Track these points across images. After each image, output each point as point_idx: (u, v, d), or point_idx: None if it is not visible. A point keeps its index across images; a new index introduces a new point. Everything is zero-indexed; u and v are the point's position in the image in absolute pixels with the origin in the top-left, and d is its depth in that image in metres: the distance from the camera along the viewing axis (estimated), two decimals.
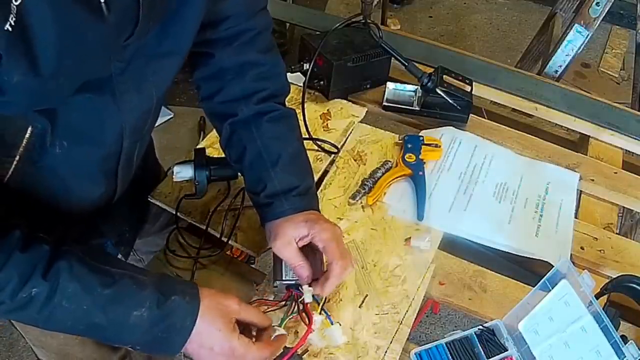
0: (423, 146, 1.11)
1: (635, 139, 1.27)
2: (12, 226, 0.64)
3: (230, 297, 0.75)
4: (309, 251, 0.83)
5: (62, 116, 0.66)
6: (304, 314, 0.82)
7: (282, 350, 0.79)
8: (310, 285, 0.82)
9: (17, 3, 0.49)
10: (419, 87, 1.22)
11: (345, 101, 1.24)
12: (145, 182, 1.01)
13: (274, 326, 0.80)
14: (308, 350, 0.81)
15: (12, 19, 0.49)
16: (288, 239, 0.81)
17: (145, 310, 0.68)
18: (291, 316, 0.83)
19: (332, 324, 0.84)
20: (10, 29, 0.49)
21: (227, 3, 0.81)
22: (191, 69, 0.89)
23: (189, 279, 0.92)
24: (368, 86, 1.27)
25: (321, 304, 0.85)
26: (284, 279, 0.83)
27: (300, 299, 0.83)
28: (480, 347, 0.82)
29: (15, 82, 0.54)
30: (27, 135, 0.66)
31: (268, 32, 0.89)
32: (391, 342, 0.84)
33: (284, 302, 0.84)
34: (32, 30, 0.51)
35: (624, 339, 0.71)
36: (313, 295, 0.83)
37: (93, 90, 0.66)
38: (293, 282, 0.83)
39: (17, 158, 0.68)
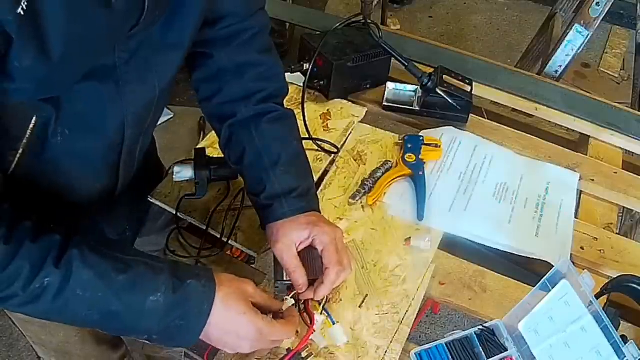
0: (423, 146, 1.11)
1: (635, 139, 1.27)
2: (22, 217, 0.64)
3: (246, 281, 0.75)
4: (311, 250, 0.83)
5: (66, 104, 0.66)
6: (305, 314, 0.82)
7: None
8: (302, 290, 0.81)
9: None
10: (419, 87, 1.22)
11: (345, 101, 1.24)
12: (147, 181, 1.01)
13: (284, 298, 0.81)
14: (313, 354, 0.81)
15: (24, 3, 0.50)
16: (289, 242, 0.81)
17: (161, 295, 0.67)
18: None
19: (333, 323, 0.84)
20: (22, 12, 0.50)
21: (224, 1, 0.81)
22: (189, 71, 0.89)
23: None
24: (368, 86, 1.27)
25: (322, 304, 0.85)
26: (285, 279, 0.83)
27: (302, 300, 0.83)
28: (480, 347, 0.82)
29: (25, 67, 0.54)
30: (31, 126, 0.66)
31: (266, 32, 0.89)
32: (391, 342, 0.84)
33: None
34: (43, 15, 0.52)
35: (624, 339, 0.71)
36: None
37: (97, 78, 0.66)
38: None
39: (20, 151, 0.68)
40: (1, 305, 0.65)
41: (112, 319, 0.67)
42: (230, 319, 0.71)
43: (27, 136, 0.66)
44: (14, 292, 0.62)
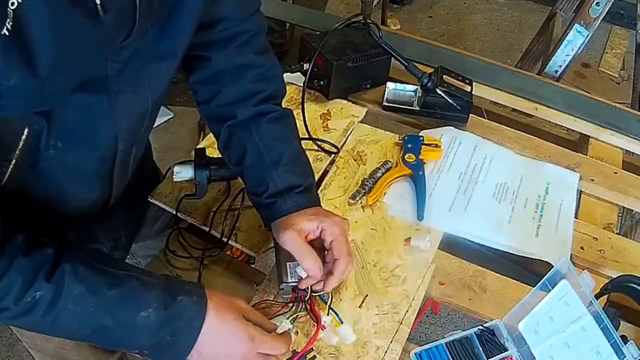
0: (423, 146, 1.11)
1: (635, 139, 1.27)
2: (14, 230, 0.64)
3: (237, 298, 0.75)
4: (314, 244, 0.82)
5: (57, 117, 0.66)
6: (311, 314, 0.82)
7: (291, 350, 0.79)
8: (318, 278, 0.80)
9: (13, 7, 0.49)
10: (419, 87, 1.22)
11: (345, 101, 1.24)
12: (142, 186, 1.01)
13: (280, 317, 0.80)
14: (316, 357, 0.81)
15: (8, 23, 0.49)
16: (297, 229, 0.80)
17: (152, 311, 0.67)
18: (295, 315, 0.82)
19: (341, 322, 0.84)
20: (7, 33, 0.50)
21: (220, 5, 0.81)
22: (186, 73, 0.88)
23: (190, 279, 0.91)
24: (368, 86, 1.27)
25: (329, 304, 0.84)
26: (289, 280, 0.83)
27: (306, 299, 0.83)
28: (480, 347, 0.82)
29: (12, 85, 0.54)
30: (23, 137, 0.65)
31: (263, 34, 0.89)
32: (391, 342, 0.84)
33: (291, 304, 0.83)
34: (29, 34, 0.51)
35: (624, 339, 0.71)
36: (322, 297, 0.84)
37: (88, 90, 0.65)
38: (298, 283, 0.83)
39: (13, 162, 0.67)
40: None
41: (103, 333, 0.67)
42: (222, 327, 0.71)
43: (19, 147, 0.66)
44: (6, 306, 0.62)
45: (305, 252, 0.79)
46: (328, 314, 0.84)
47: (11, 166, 0.68)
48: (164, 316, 0.68)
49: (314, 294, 0.83)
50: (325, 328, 0.82)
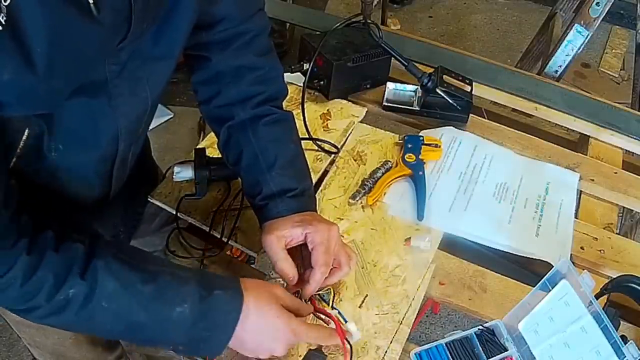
0: (423, 146, 1.11)
1: (635, 139, 1.27)
2: (44, 225, 0.64)
3: (274, 285, 0.76)
4: (305, 247, 0.82)
5: (58, 120, 0.66)
6: (315, 313, 0.83)
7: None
8: (292, 282, 0.81)
9: (6, 3, 0.49)
10: (419, 87, 1.22)
11: (345, 101, 1.24)
12: (141, 182, 1.01)
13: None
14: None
15: (2, 17, 0.49)
16: (278, 235, 0.80)
17: (188, 306, 0.67)
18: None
19: (345, 321, 0.84)
20: (0, 27, 0.50)
21: (220, 5, 0.81)
22: (189, 73, 0.89)
23: None
24: (368, 86, 1.27)
25: (331, 303, 0.84)
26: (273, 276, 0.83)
27: (309, 300, 0.83)
28: (480, 347, 0.82)
29: (5, 81, 0.54)
30: (24, 138, 0.66)
31: (265, 35, 0.89)
32: (391, 342, 0.84)
33: None
34: (23, 29, 0.51)
35: (624, 339, 0.71)
36: (322, 296, 0.84)
37: (88, 93, 0.66)
38: None
39: (14, 160, 0.68)
40: (25, 316, 0.65)
41: (138, 330, 0.67)
42: (264, 323, 0.71)
43: (20, 147, 0.66)
44: (38, 303, 0.62)
45: (280, 258, 0.79)
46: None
47: (12, 163, 0.68)
48: (199, 311, 0.67)
49: (314, 294, 0.83)
50: (339, 321, 0.82)
